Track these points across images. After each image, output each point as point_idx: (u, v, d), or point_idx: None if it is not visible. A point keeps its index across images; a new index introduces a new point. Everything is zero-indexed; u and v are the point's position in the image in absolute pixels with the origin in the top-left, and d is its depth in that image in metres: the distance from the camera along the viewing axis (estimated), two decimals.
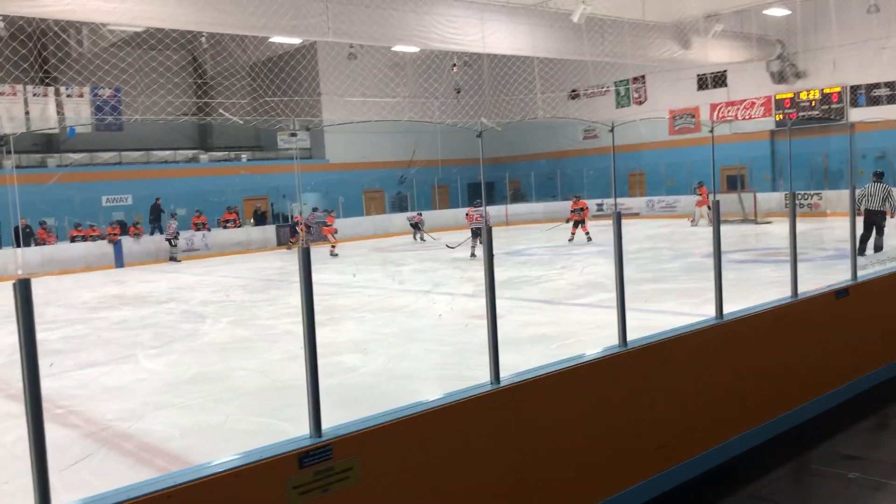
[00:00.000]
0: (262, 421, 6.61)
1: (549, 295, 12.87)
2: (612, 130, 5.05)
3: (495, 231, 19.64)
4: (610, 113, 34.96)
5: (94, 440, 6.36)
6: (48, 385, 7.44)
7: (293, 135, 31.72)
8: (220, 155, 32.66)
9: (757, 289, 10.58)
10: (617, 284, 4.79)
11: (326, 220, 24.50)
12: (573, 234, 22.69)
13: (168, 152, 31.34)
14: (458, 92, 30.85)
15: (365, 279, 16.88)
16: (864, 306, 6.81)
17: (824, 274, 10.08)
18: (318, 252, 24.59)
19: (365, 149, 32.42)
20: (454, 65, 29.27)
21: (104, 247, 24.48)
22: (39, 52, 22.82)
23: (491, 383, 4.00)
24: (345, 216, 30.04)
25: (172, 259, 24.98)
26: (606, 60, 25.13)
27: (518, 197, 37.30)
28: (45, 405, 2.67)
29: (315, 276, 3.38)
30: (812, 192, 27.29)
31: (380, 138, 33.21)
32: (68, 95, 26.92)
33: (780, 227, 21.95)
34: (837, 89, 28.65)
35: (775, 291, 6.93)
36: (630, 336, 4.75)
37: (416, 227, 28.10)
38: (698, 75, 32.41)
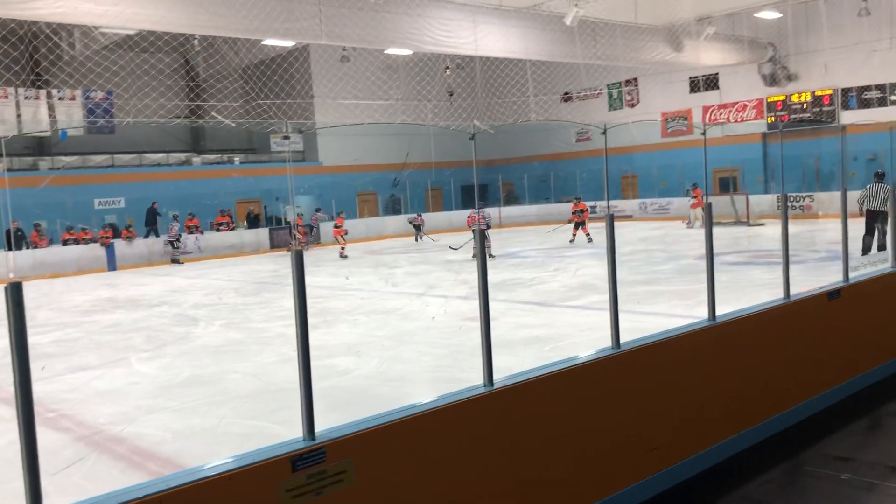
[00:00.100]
0: (255, 424, 6.59)
1: (543, 297, 12.88)
2: (604, 133, 5.06)
3: (488, 233, 19.57)
4: (602, 115, 35.03)
5: (86, 444, 6.33)
6: (39, 389, 7.39)
7: (286, 137, 31.66)
8: (212, 158, 32.59)
9: (749, 290, 10.60)
10: (610, 286, 4.80)
11: (336, 221, 24.53)
12: (574, 235, 23.03)
13: (160, 155, 31.25)
14: (451, 94, 30.85)
15: (358, 282, 16.86)
16: (856, 308, 6.83)
17: (816, 276, 10.11)
18: (320, 253, 24.60)
19: (358, 151, 32.39)
20: (447, 67, 29.31)
21: (96, 250, 24.40)
22: (31, 55, 22.73)
23: (484, 385, 3.99)
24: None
25: (175, 261, 24.96)
26: (599, 63, 25.20)
27: (511, 199, 37.34)
28: (37, 409, 2.66)
29: (308, 279, 3.38)
30: (804, 195, 27.41)
31: (373, 141, 33.20)
32: (60, 98, 26.85)
33: (772, 229, 22.02)
34: (829, 92, 28.78)
35: (768, 293, 6.96)
36: (623, 338, 4.76)
37: (418, 228, 28.14)
38: (690, 78, 32.51)
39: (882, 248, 13.79)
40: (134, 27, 18.53)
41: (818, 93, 29.10)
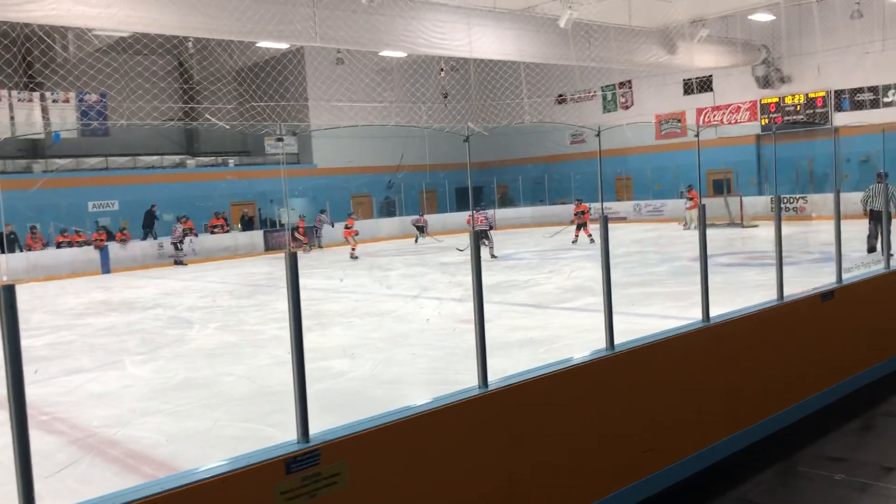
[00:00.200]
0: (249, 427, 6.58)
1: (537, 299, 12.89)
2: (598, 135, 5.07)
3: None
4: (597, 117, 35.09)
5: (80, 447, 6.32)
6: (33, 392, 7.39)
7: (280, 139, 31.64)
8: (207, 160, 32.54)
9: (743, 292, 10.63)
10: (604, 288, 4.81)
11: (347, 222, 24.62)
12: (577, 236, 23.37)
13: (155, 157, 31.19)
14: (446, 97, 30.87)
15: (352, 284, 16.85)
16: (849, 309, 6.86)
17: (810, 277, 10.13)
18: (324, 256, 24.60)
19: (352, 154, 32.38)
20: (441, 69, 29.31)
21: (90, 252, 24.33)
22: (24, 57, 22.65)
23: (479, 387, 4.00)
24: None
25: (178, 262, 24.94)
26: (593, 65, 25.23)
27: (506, 202, 37.37)
28: (30, 412, 2.66)
29: (302, 282, 3.38)
30: (797, 196, 27.49)
31: (367, 143, 33.19)
32: (54, 101, 26.76)
33: (765, 231, 22.08)
34: (822, 94, 28.88)
35: (761, 294, 6.97)
36: (617, 339, 4.77)
37: (421, 230, 28.18)
38: (684, 80, 32.59)
39: (888, 246, 13.84)
40: (127, 29, 18.50)
41: (811, 95, 29.20)
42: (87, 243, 24.76)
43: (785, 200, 26.87)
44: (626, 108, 34.66)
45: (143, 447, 6.22)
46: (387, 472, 3.51)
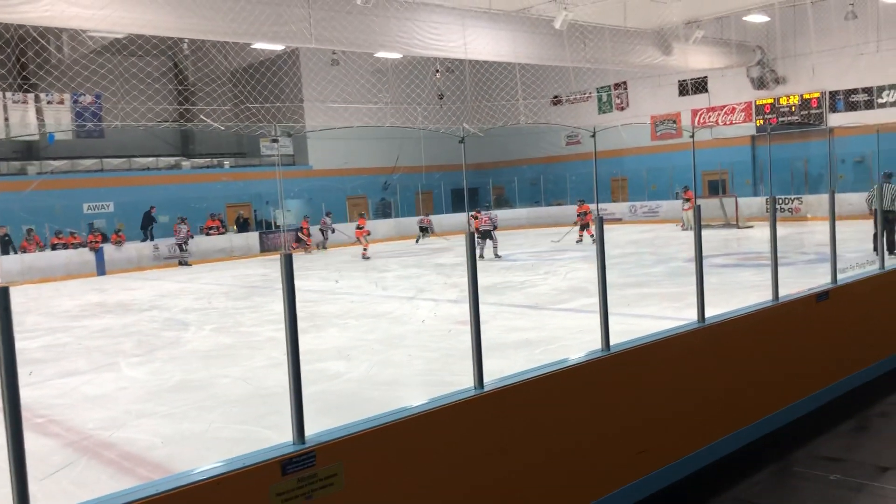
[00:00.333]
0: (245, 428, 6.57)
1: (533, 300, 12.89)
2: (593, 136, 5.07)
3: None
4: (592, 119, 35.12)
5: (75, 449, 6.30)
6: (28, 394, 7.36)
7: (275, 141, 31.60)
8: (202, 162, 32.49)
9: (738, 293, 10.65)
10: (600, 289, 4.81)
11: (359, 222, 24.83)
12: (581, 236, 23.65)
13: (150, 159, 31.13)
14: (441, 98, 30.88)
15: (348, 285, 16.84)
16: (844, 309, 6.87)
17: (805, 278, 10.17)
18: (328, 257, 24.59)
19: (348, 155, 32.36)
20: (437, 71, 29.32)
21: (85, 254, 24.26)
22: (18, 59, 22.63)
23: (475, 388, 4.00)
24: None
25: (182, 263, 24.93)
26: (588, 66, 25.26)
27: (502, 203, 37.37)
28: (25, 414, 2.65)
29: (298, 283, 3.38)
30: (793, 197, 27.55)
31: (363, 145, 33.17)
32: (49, 102, 26.69)
33: (761, 232, 22.11)
34: (816, 95, 28.96)
35: (757, 295, 6.99)
36: (613, 340, 4.77)
37: (425, 230, 28.22)
38: (679, 81, 32.65)
39: (892, 247, 13.89)
40: (122, 31, 18.48)
41: (806, 96, 29.28)
42: (82, 245, 24.70)
43: (780, 201, 26.93)
44: (622, 109, 34.71)
45: (139, 449, 6.21)
46: (383, 474, 3.51)
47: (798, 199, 27.43)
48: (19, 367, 2.63)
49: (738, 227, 24.88)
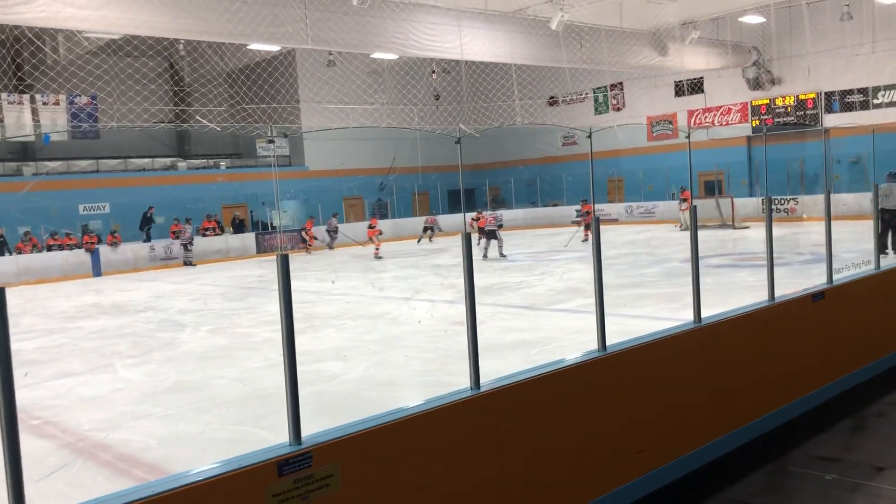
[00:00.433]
0: (241, 429, 6.56)
1: (530, 301, 12.90)
2: (590, 136, 5.07)
3: (475, 237, 19.76)
4: (588, 119, 35.16)
5: (71, 451, 6.29)
6: (24, 395, 7.34)
7: (271, 142, 31.58)
8: (198, 162, 32.44)
9: (735, 293, 10.66)
10: (596, 290, 4.81)
11: (370, 221, 24.94)
12: (587, 235, 23.61)
13: (146, 160, 31.08)
14: (437, 98, 30.90)
15: (345, 286, 16.83)
16: (840, 309, 6.88)
17: (801, 278, 10.18)
18: (335, 257, 24.58)
19: (344, 156, 32.35)
20: (433, 71, 29.34)
21: (81, 255, 24.22)
22: (13, 59, 22.56)
23: (471, 389, 4.00)
24: (324, 223, 29.99)
25: (187, 263, 24.92)
26: (584, 67, 25.28)
27: (498, 203, 37.38)
28: (21, 416, 2.64)
29: (295, 284, 3.37)
30: (788, 197, 27.60)
31: (359, 145, 33.16)
32: (44, 103, 26.62)
33: (756, 232, 22.15)
34: (812, 95, 29.01)
35: (753, 295, 7.00)
36: (609, 341, 4.78)
37: (430, 230, 28.24)
38: (675, 82, 32.69)
39: (886, 247, 13.92)
40: (118, 31, 18.44)
41: (802, 96, 29.33)
42: (77, 246, 24.66)
43: (776, 202, 26.98)
44: (618, 109, 34.74)
45: (135, 450, 6.20)
46: (379, 474, 3.51)
47: (794, 199, 27.49)
48: (15, 368, 2.62)
49: (734, 228, 24.92)
